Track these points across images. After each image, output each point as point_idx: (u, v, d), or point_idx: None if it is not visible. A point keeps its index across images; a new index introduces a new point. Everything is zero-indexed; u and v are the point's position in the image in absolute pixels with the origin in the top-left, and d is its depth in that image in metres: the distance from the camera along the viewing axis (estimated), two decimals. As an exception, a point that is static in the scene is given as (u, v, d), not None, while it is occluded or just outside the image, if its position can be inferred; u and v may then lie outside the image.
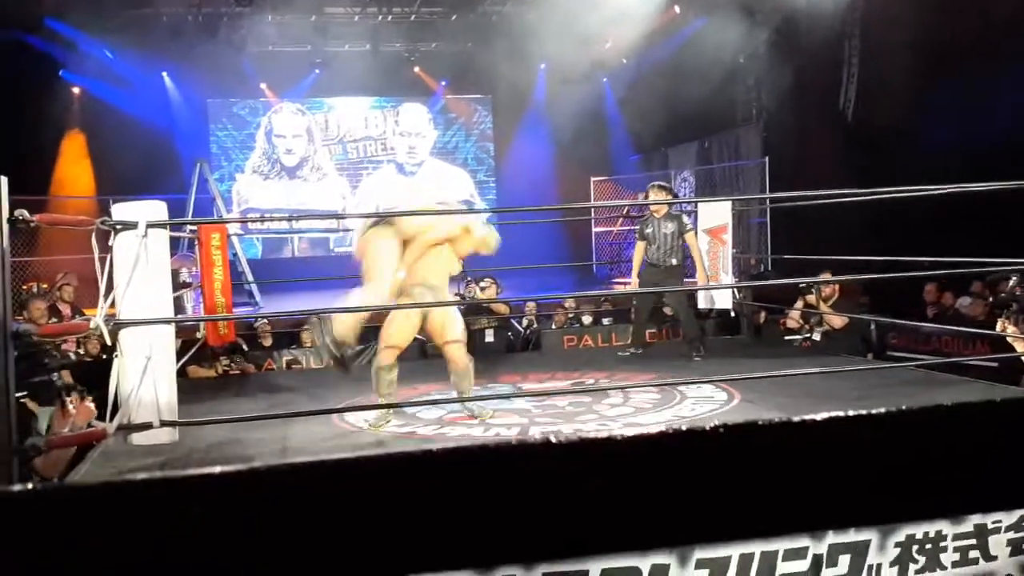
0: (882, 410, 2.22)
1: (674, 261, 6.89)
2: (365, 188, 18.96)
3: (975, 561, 2.42)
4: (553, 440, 2.11)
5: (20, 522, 1.35)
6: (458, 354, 5.09)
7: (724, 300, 7.52)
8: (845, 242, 7.50)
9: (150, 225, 4.08)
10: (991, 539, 2.42)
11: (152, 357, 4.04)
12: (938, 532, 2.38)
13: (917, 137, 10.31)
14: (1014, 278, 7.39)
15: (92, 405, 4.74)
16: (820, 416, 2.20)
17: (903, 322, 7.30)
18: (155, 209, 4.25)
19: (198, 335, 6.98)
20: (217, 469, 2.00)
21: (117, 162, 14.84)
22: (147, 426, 4.04)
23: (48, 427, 4.81)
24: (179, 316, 6.12)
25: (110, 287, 4.05)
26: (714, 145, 15.70)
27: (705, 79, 13.43)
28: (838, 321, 7.06)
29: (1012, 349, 5.51)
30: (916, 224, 7.98)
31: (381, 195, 18.52)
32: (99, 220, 4.16)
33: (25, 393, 5.13)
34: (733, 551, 2.24)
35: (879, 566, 2.33)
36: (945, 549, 2.39)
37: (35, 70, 14.35)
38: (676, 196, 13.64)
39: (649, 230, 6.95)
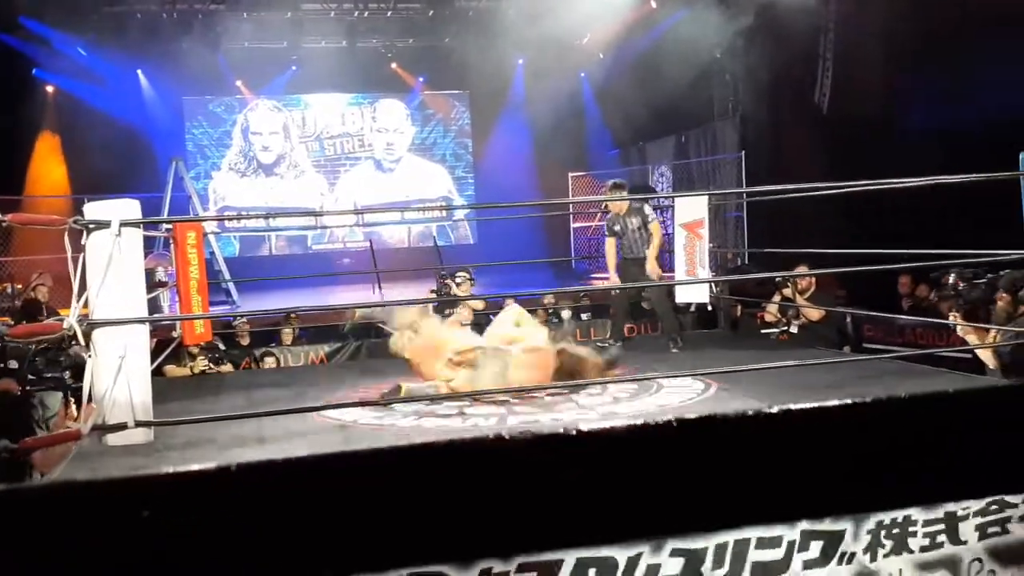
0: (850, 401, 2.24)
1: (647, 251, 7.06)
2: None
3: (941, 545, 2.45)
4: (529, 434, 2.11)
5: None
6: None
7: (701, 294, 7.55)
8: (822, 234, 7.56)
9: (123, 224, 4.05)
10: (960, 525, 2.45)
11: (126, 357, 4.01)
12: (907, 517, 2.40)
13: (892, 127, 10.39)
14: (953, 273, 7.54)
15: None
16: (794, 406, 2.22)
17: (878, 314, 7.37)
18: (128, 208, 4.21)
19: (174, 334, 6.93)
20: (192, 467, 1.99)
21: (92, 161, 14.74)
22: (122, 426, 4.01)
23: (48, 421, 4.82)
24: (153, 316, 6.07)
25: (83, 287, 4.02)
26: (691, 139, 15.76)
27: (682, 74, 13.49)
28: (815, 314, 7.11)
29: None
30: (893, 214, 8.06)
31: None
32: (71, 219, 4.12)
33: (39, 388, 5.16)
34: (708, 542, 2.26)
35: (852, 554, 2.35)
36: (915, 534, 2.42)
37: (8, 69, 14.22)
38: (641, 191, 13.77)
39: (618, 227, 7.19)
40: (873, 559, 2.37)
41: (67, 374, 5.27)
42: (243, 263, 17.07)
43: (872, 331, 8.69)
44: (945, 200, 6.96)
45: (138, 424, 4.05)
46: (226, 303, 13.09)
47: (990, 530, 2.47)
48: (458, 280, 8.32)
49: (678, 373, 5.45)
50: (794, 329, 7.38)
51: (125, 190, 10.92)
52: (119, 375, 3.99)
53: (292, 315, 9.56)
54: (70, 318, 3.94)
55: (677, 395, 5.05)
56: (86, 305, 4.10)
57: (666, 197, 13.27)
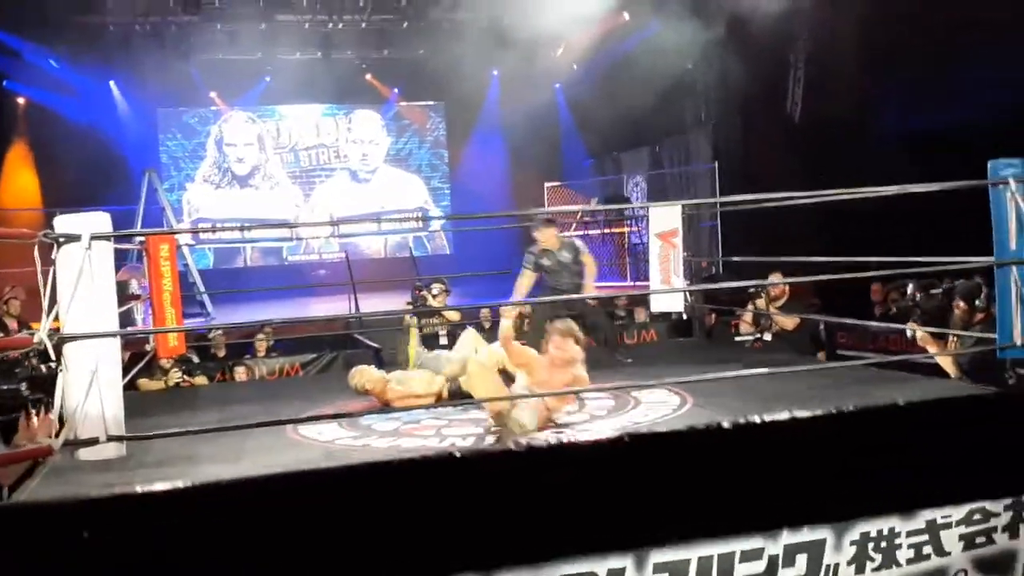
0: (822, 411, 2.25)
1: (579, 281, 7.03)
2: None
3: (928, 557, 2.45)
4: (510, 449, 2.10)
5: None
6: None
7: (676, 304, 7.58)
8: (796, 242, 7.60)
9: (94, 237, 4.01)
10: (943, 534, 2.45)
11: (98, 371, 3.97)
12: (891, 529, 2.41)
13: (865, 134, 10.49)
14: (911, 283, 7.63)
15: (54, 417, 4.66)
16: (770, 417, 2.23)
17: (851, 321, 7.42)
18: (98, 221, 4.17)
19: (148, 348, 6.86)
20: (164, 485, 1.96)
21: (65, 173, 14.60)
22: (94, 441, 3.97)
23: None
24: (125, 329, 6.01)
25: (53, 301, 3.97)
26: (665, 150, 15.83)
27: (655, 84, 13.55)
28: (789, 322, 7.15)
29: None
30: (866, 221, 8.11)
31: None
32: (41, 233, 4.07)
33: None
34: (691, 554, 2.26)
35: (836, 566, 2.35)
36: (900, 546, 2.42)
37: (-22, 80, 14.07)
38: (616, 201, 13.82)
39: (548, 262, 7.03)
40: (860, 572, 2.38)
41: (23, 386, 5.20)
42: (218, 275, 16.95)
43: (845, 338, 8.75)
44: (918, 206, 7.01)
45: (110, 439, 4.00)
46: (201, 315, 12.97)
47: (977, 540, 2.48)
48: (434, 292, 8.31)
49: (653, 384, 5.46)
50: (768, 337, 7.42)
51: (98, 202, 10.80)
52: (91, 389, 3.94)
53: (266, 327, 9.49)
54: (40, 332, 3.90)
55: (653, 411, 5.07)
56: (58, 319, 4.06)
57: (640, 207, 13.29)
